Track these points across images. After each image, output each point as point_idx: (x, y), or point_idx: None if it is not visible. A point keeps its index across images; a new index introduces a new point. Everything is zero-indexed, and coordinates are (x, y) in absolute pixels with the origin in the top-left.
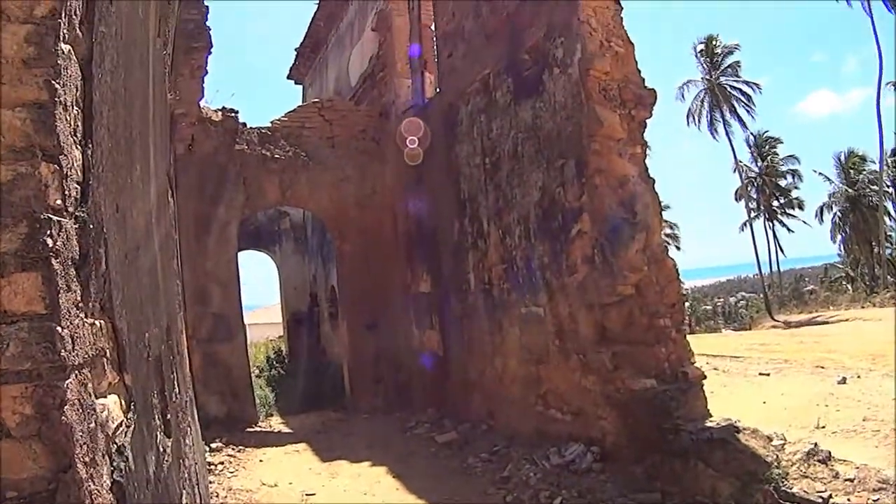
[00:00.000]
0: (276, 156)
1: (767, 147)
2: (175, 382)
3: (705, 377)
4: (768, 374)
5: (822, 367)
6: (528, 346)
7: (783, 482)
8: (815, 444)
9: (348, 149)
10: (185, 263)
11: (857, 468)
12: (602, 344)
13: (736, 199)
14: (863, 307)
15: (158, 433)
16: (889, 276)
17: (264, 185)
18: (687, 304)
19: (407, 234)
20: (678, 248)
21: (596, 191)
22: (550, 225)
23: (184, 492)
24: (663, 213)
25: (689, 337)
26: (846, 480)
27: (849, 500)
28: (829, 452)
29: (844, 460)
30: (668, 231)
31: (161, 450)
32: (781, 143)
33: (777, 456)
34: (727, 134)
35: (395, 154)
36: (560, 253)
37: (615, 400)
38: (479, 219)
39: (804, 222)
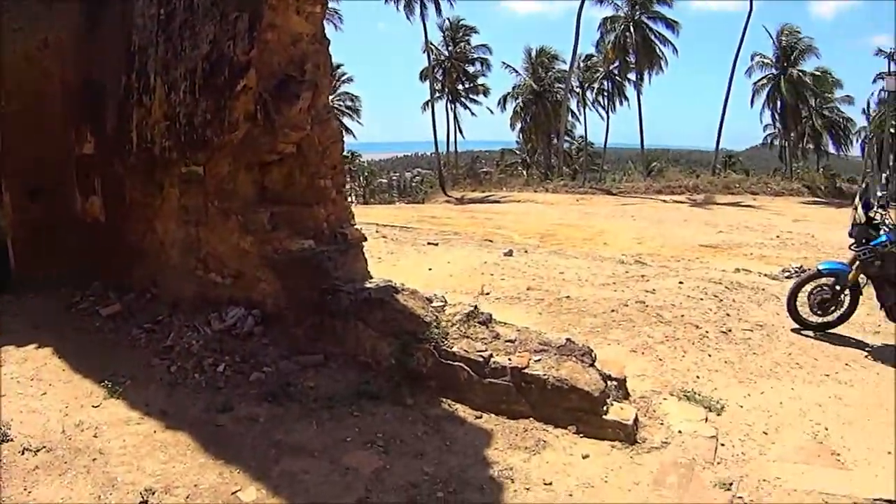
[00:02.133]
0: None
1: (461, 34)
2: None
3: (365, 239)
4: (437, 244)
5: (491, 241)
6: (188, 208)
7: (443, 341)
8: (476, 307)
9: None
10: None
11: (519, 331)
12: (261, 204)
13: (421, 80)
14: (536, 191)
15: None
16: (564, 167)
17: None
18: (363, 176)
19: (77, 91)
20: (360, 122)
21: (266, 46)
22: (217, 80)
23: None
24: (346, 84)
25: (363, 207)
26: (507, 341)
27: (510, 359)
28: (490, 315)
29: (506, 323)
30: (348, 103)
31: None
32: (477, 32)
33: (437, 317)
34: (422, 16)
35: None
36: (223, 109)
37: (274, 261)
38: (146, 73)
39: (487, 108)
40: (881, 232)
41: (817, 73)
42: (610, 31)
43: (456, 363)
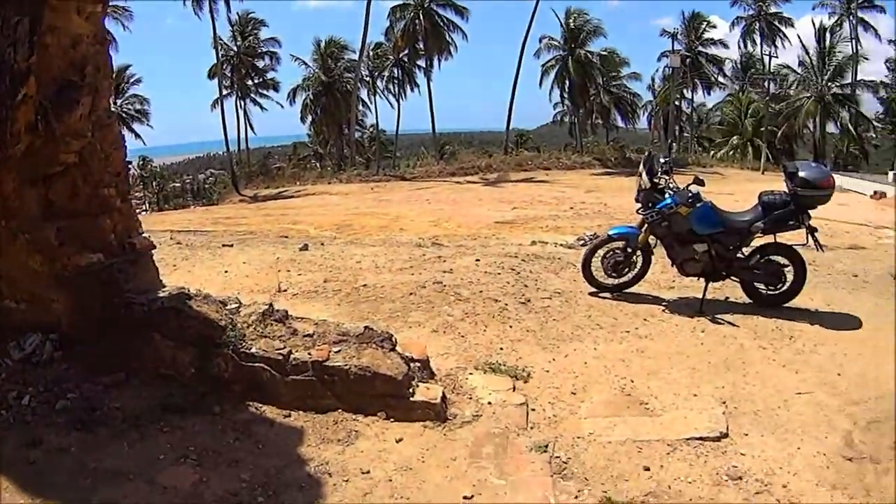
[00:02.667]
0: None
1: (250, 27)
2: None
3: (154, 247)
4: (231, 245)
5: (287, 237)
6: None
7: (241, 343)
8: (271, 305)
9: None
10: None
11: (317, 324)
12: (47, 220)
13: (209, 77)
14: (330, 183)
15: None
16: (357, 157)
17: None
18: (155, 182)
19: None
20: (150, 126)
21: (47, 50)
22: None
23: None
24: (135, 86)
25: (157, 215)
26: (306, 336)
27: (310, 354)
28: (286, 311)
29: (303, 318)
30: (138, 107)
31: None
32: (266, 25)
33: (233, 319)
34: (211, 12)
35: None
36: (5, 121)
37: (64, 279)
38: None
39: (277, 103)
40: (666, 195)
41: (604, 52)
42: (399, 20)
43: (256, 364)
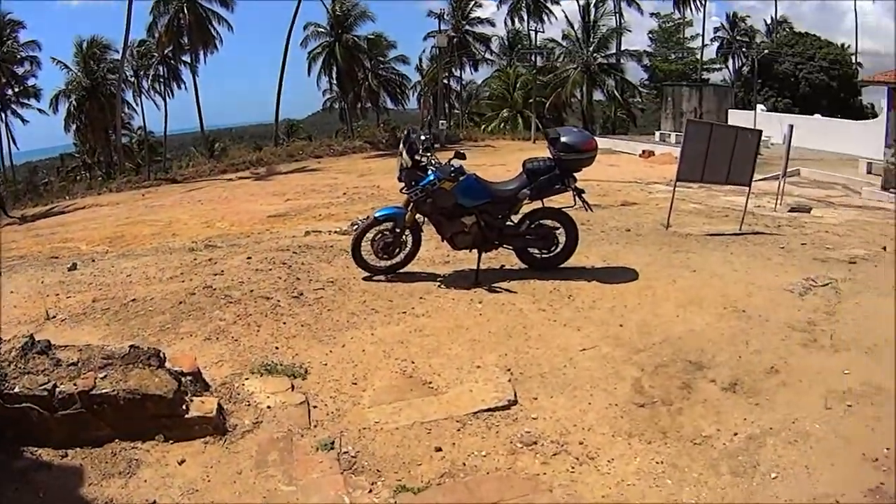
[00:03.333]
0: None
1: (8, 31)
2: None
3: None
4: None
5: (57, 258)
6: None
7: (3, 384)
8: (31, 337)
9: None
10: None
11: (80, 350)
12: None
13: None
14: (100, 194)
15: None
16: (127, 163)
17: None
18: None
19: None
20: None
21: None
22: None
23: None
24: None
25: None
26: (70, 365)
27: (76, 384)
28: (49, 342)
29: (67, 346)
30: None
31: None
32: (24, 27)
33: None
34: None
35: None
36: None
37: None
38: None
39: (40, 111)
40: (428, 172)
41: (372, 36)
42: (163, 14)
43: (23, 405)
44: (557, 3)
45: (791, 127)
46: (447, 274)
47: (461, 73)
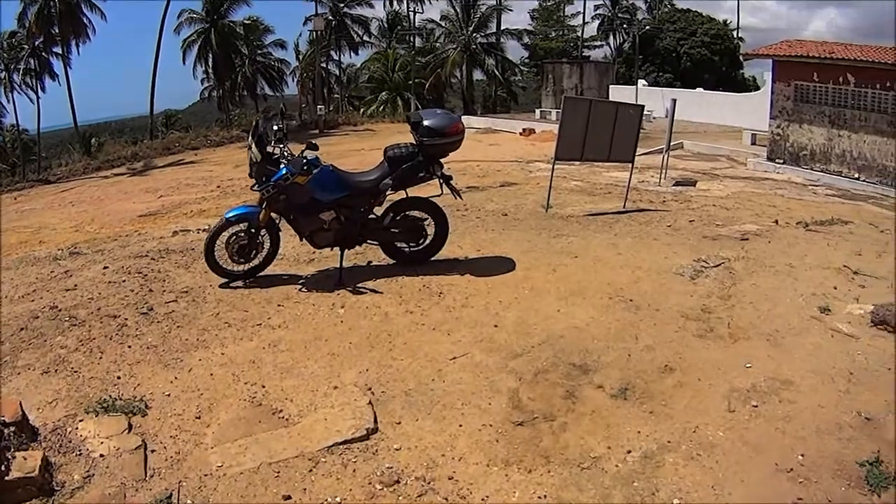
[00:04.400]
0: None
1: None
2: None
3: None
4: None
5: None
6: None
7: None
8: None
9: None
10: None
11: None
12: None
13: None
14: None
15: None
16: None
17: None
18: None
19: None
20: None
21: None
22: None
23: None
24: None
25: None
26: None
27: None
28: None
29: None
30: None
31: None
32: None
33: None
34: None
35: None
36: None
37: None
38: None
39: None
40: (281, 166)
41: (248, 21)
42: (32, 3)
43: None
44: None
45: (674, 101)
46: (310, 275)
47: (340, 57)
